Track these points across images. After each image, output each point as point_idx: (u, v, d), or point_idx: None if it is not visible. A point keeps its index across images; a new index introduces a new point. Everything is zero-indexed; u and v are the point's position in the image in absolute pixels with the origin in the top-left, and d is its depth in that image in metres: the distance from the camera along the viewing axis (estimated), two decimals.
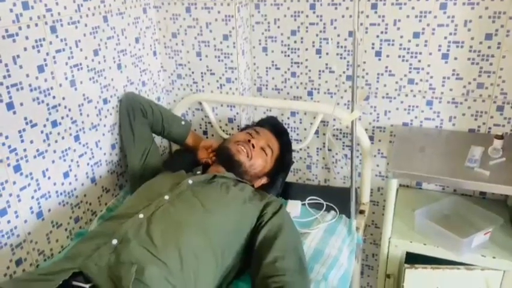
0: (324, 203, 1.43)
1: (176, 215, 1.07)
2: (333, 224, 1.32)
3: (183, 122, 1.52)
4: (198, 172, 1.33)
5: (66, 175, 1.28)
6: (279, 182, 1.50)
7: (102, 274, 0.89)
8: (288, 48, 1.63)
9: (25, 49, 1.10)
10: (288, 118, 1.75)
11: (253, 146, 1.34)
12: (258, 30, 1.64)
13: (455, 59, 1.43)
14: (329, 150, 1.75)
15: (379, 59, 1.52)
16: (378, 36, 1.50)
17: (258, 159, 1.34)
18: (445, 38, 1.42)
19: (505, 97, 1.41)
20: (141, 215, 1.05)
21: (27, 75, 1.11)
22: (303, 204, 1.43)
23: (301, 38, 1.60)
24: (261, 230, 1.14)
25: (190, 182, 1.21)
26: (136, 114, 1.42)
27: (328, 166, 1.77)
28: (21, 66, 1.09)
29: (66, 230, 1.30)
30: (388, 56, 1.51)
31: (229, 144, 1.36)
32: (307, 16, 1.56)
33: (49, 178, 1.22)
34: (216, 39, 1.58)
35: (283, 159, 1.43)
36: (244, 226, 1.16)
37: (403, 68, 1.51)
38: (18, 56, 1.08)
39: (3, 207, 1.09)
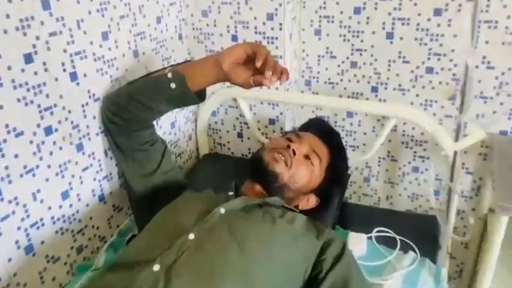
0: (397, 237, 1.09)
1: (206, 264, 0.76)
2: (413, 272, 0.98)
3: (172, 84, 0.91)
4: (231, 193, 1.01)
5: (65, 195, 0.99)
6: (334, 203, 1.17)
7: None
8: (349, 31, 1.28)
9: (89, 12, 0.97)
10: (344, 119, 1.40)
11: (294, 153, 1.01)
12: (310, 8, 1.29)
13: None
14: (394, 160, 1.40)
15: (476, 46, 1.15)
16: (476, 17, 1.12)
17: (300, 168, 1.01)
18: None
19: None
20: (156, 267, 0.75)
21: (91, 43, 0.97)
22: (369, 238, 1.09)
23: (367, 18, 1.24)
24: (321, 285, 0.82)
25: (222, 211, 0.89)
26: (114, 129, 1.03)
27: (391, 180, 1.43)
28: (85, 32, 0.95)
29: (66, 264, 1.02)
30: (487, 42, 1.14)
31: (262, 153, 1.03)
32: None
33: (41, 201, 0.93)
34: (257, 19, 1.24)
35: (336, 169, 1.09)
36: (297, 275, 0.84)
37: (508, 59, 1.13)
38: (82, 20, 0.94)
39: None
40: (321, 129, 1.14)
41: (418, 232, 1.11)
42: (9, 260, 0.88)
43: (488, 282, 1.02)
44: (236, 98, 1.36)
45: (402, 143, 1.35)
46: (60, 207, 0.99)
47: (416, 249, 1.05)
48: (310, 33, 1.33)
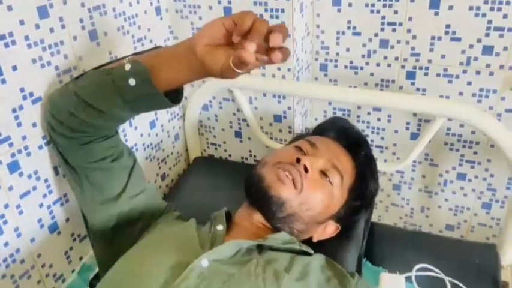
0: (446, 278, 0.81)
1: None
2: None
3: (131, 80, 0.62)
4: (220, 227, 0.74)
5: None
6: (359, 230, 0.89)
7: None
8: (378, 0, 0.97)
9: None
10: (369, 114, 1.11)
11: (306, 170, 0.73)
12: None
13: None
14: (433, 165, 1.10)
15: None
16: None
17: (315, 191, 0.73)
18: None
19: None
20: None
21: (22, 22, 0.71)
22: (407, 279, 0.82)
23: None
24: None
25: (205, 264, 0.62)
26: (61, 142, 0.74)
27: (429, 189, 1.14)
28: (9, 8, 0.68)
29: None
30: None
31: (263, 169, 0.75)
32: None
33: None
34: None
35: (363, 191, 0.81)
36: None
37: None
38: None
39: None
40: (343, 133, 0.85)
41: (473, 269, 0.84)
42: None
43: None
44: (231, 89, 1.07)
45: (446, 143, 1.06)
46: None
47: None
48: (326, 3, 1.02)
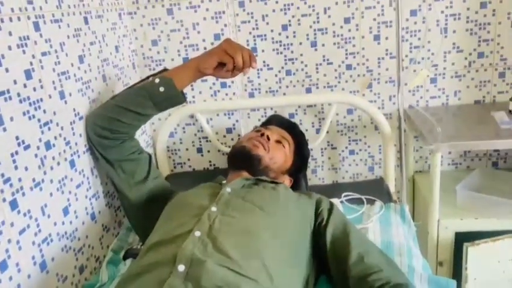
0: (363, 197, 1.30)
1: (239, 224, 0.87)
2: (384, 214, 1.20)
3: (161, 88, 1.04)
4: (224, 181, 1.13)
5: (65, 211, 1.00)
6: (302, 183, 1.35)
7: None
8: (280, 45, 1.53)
9: (68, 37, 0.94)
10: None
11: (268, 138, 1.19)
12: (244, 30, 1.52)
13: (454, 32, 1.45)
14: (334, 148, 1.64)
15: (378, 43, 1.49)
16: (375, 19, 1.46)
17: (276, 151, 1.18)
18: (442, 12, 1.43)
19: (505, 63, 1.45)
20: (197, 233, 0.83)
21: (72, 65, 0.91)
22: (341, 202, 1.29)
23: (294, 32, 1.51)
24: (325, 230, 0.98)
25: (229, 190, 1.01)
26: (103, 143, 1.08)
27: (334, 166, 1.66)
28: (67, 54, 0.88)
29: (72, 284, 1.00)
30: (387, 38, 1.48)
31: (241, 144, 1.19)
32: (298, 8, 1.48)
33: (49, 216, 0.93)
34: (205, 40, 1.42)
35: (303, 152, 1.29)
36: (306, 226, 0.99)
37: (403, 49, 1.48)
38: (63, 43, 0.90)
39: (2, 258, 0.79)
40: (281, 121, 1.33)
41: (375, 191, 1.34)
42: (29, 276, 0.86)
43: (436, 208, 1.29)
44: (193, 114, 1.49)
45: (338, 131, 1.61)
46: (63, 223, 0.99)
47: (379, 200, 1.27)
48: None
